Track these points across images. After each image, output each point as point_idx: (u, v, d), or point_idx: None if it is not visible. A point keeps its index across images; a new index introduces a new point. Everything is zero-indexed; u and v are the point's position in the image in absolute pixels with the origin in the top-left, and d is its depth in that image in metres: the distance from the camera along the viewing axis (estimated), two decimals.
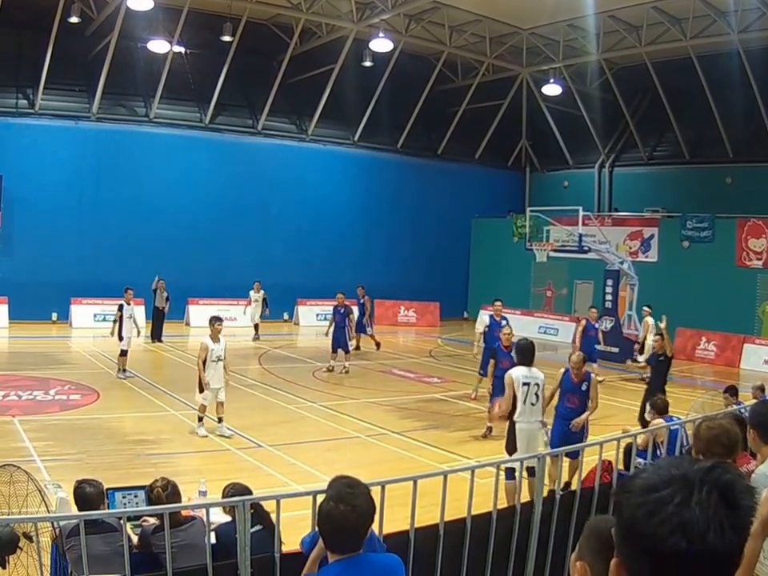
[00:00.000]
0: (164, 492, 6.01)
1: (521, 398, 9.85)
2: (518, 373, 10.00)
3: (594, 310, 22.51)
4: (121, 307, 18.93)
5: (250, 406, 16.37)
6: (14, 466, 6.25)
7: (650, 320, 21.97)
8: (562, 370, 11.17)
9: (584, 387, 10.85)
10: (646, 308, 22.78)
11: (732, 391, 12.72)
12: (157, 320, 25.12)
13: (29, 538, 5.49)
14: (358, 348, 25.00)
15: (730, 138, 30.48)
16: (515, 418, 9.89)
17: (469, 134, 36.31)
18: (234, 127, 31.51)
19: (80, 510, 5.87)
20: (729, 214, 28.13)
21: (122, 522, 5.19)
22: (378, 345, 25.08)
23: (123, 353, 18.59)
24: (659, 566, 1.54)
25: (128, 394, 17.05)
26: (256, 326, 26.81)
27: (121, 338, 18.56)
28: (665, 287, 28.23)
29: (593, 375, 11.20)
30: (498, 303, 18.13)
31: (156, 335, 25.02)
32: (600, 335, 22.08)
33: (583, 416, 10.64)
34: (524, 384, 9.89)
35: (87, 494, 5.97)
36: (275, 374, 20.41)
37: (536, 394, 9.93)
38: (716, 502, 1.53)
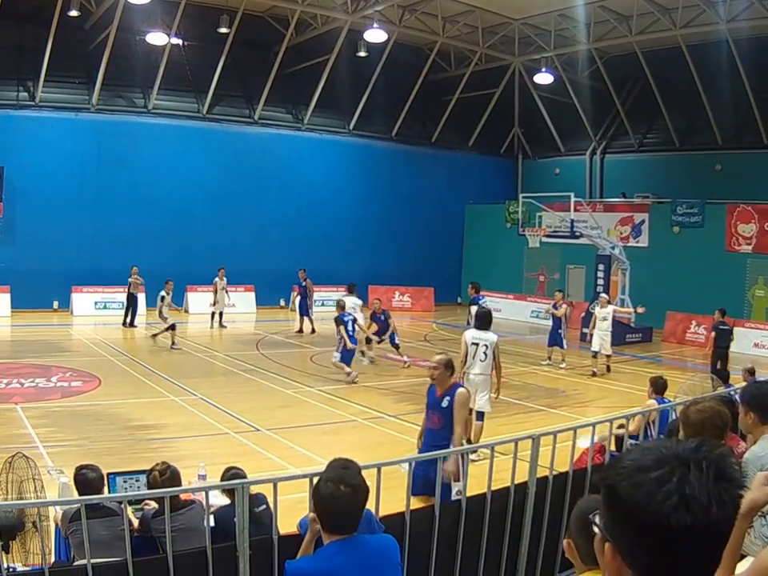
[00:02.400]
0: (161, 477, 6.06)
1: (470, 354, 11.83)
2: (468, 335, 12.06)
3: (558, 293, 22.68)
4: (162, 298, 22.34)
5: (248, 390, 16.54)
6: (24, 455, 6.28)
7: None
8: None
9: (445, 404, 8.22)
10: (604, 295, 21.73)
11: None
12: (132, 306, 25.53)
13: (35, 526, 5.54)
14: (300, 331, 25.76)
15: (719, 126, 30.77)
16: (465, 368, 11.81)
17: (462, 123, 36.62)
18: (231, 117, 31.80)
19: (81, 494, 5.94)
20: (718, 200, 28.39)
21: (122, 506, 5.29)
22: (313, 330, 25.80)
23: (171, 327, 21.83)
24: (661, 544, 1.56)
25: (128, 381, 17.14)
26: (215, 314, 26.72)
27: (165, 319, 22.17)
28: (656, 272, 28.63)
29: (461, 389, 8.39)
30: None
31: (131, 322, 25.46)
32: (562, 320, 21.26)
33: (450, 461, 7.29)
34: (473, 344, 11.88)
35: (88, 479, 6.06)
36: (273, 359, 20.48)
37: (484, 353, 11.82)
38: (713, 476, 1.57)
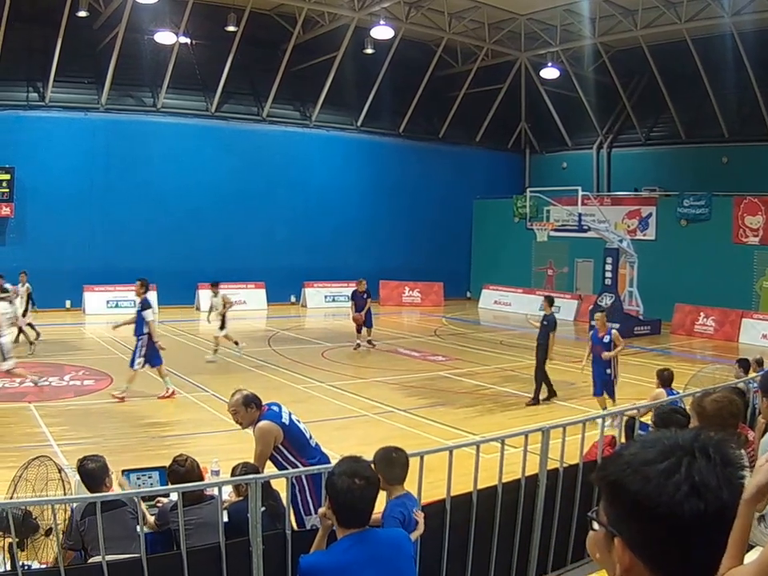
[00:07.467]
0: (194, 463, 6.16)
1: None
2: None
3: (600, 315, 19.68)
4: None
5: (260, 386, 16.06)
6: (46, 456, 6.45)
7: None
8: None
9: None
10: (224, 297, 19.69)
11: (744, 364, 12.62)
12: None
13: (33, 526, 5.66)
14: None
15: (725, 118, 30.77)
16: None
17: (469, 118, 36.67)
18: (239, 115, 31.93)
19: (86, 485, 6.07)
20: (725, 192, 28.38)
21: (136, 500, 5.28)
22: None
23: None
24: (673, 534, 1.55)
25: (140, 378, 16.72)
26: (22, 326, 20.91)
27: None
28: (663, 265, 28.75)
29: (260, 424, 6.78)
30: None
31: None
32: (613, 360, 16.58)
33: None
34: None
35: (90, 470, 6.11)
36: (284, 355, 20.60)
37: None
38: (720, 461, 1.58)
